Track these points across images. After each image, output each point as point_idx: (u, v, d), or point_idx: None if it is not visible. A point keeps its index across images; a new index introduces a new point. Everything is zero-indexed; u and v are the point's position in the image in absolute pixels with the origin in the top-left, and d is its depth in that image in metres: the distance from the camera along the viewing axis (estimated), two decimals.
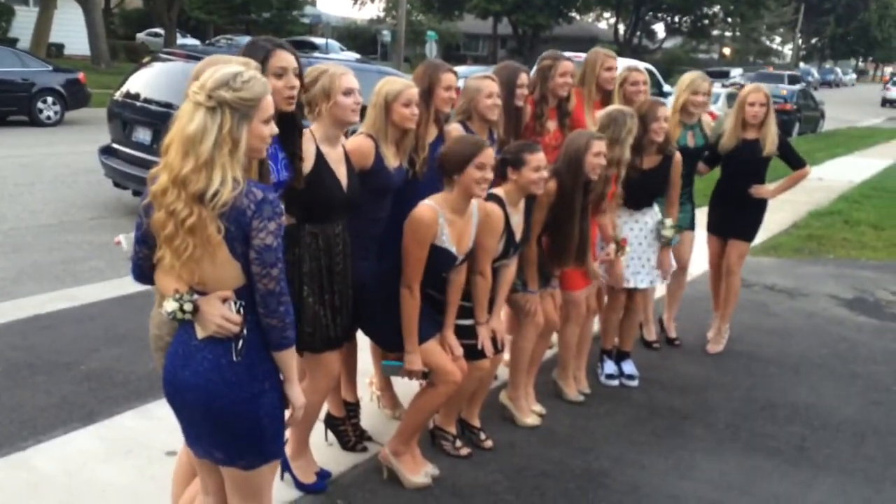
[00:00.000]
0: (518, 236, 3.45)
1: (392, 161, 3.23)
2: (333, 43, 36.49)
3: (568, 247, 3.68)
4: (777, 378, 4.76)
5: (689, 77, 4.82)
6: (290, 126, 2.63)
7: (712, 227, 5.14)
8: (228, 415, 2.03)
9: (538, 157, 3.34)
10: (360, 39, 44.85)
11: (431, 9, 46.83)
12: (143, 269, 2.14)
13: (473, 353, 3.33)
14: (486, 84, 3.69)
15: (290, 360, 2.09)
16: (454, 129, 3.65)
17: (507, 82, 3.84)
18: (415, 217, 2.99)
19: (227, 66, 1.98)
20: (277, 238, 1.98)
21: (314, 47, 31.07)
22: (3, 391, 3.89)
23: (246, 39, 26.24)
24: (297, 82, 2.64)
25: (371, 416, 3.80)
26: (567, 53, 4.65)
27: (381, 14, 50.78)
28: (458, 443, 3.59)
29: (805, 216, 10.00)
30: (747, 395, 4.48)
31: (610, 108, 4.13)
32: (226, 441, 2.08)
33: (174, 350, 2.10)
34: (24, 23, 25.55)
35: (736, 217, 4.99)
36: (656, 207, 4.41)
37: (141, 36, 35.79)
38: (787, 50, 70.02)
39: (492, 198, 3.29)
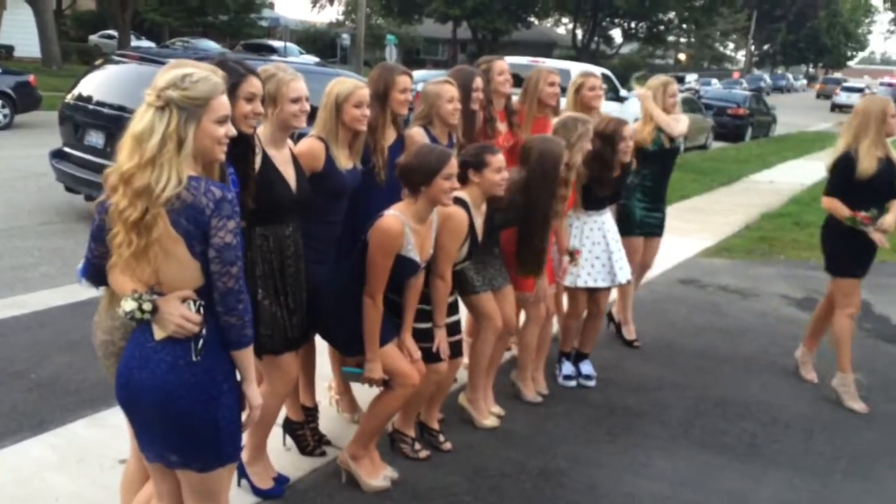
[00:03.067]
0: (480, 238, 3.48)
1: (344, 163, 3.23)
2: (292, 46, 36.27)
3: (538, 254, 3.72)
4: (729, 376, 4.86)
5: (662, 80, 4.94)
6: (244, 145, 2.64)
7: (847, 269, 4.51)
8: (186, 416, 2.02)
9: (499, 159, 3.38)
10: (319, 43, 44.58)
11: (391, 13, 46.84)
12: (96, 268, 2.13)
13: (430, 357, 3.34)
14: (447, 89, 3.71)
15: (248, 359, 2.10)
16: (416, 133, 3.67)
17: (463, 86, 3.86)
18: (382, 229, 2.97)
19: (181, 68, 1.99)
20: (237, 236, 2.00)
21: (272, 50, 30.83)
22: None
23: (203, 42, 25.88)
24: (261, 108, 2.69)
25: (330, 420, 3.79)
26: (526, 59, 4.72)
27: (341, 17, 50.70)
28: (417, 445, 3.60)
29: (757, 218, 10.23)
30: (701, 393, 4.57)
31: (563, 115, 4.19)
32: (182, 443, 2.07)
33: (130, 353, 2.09)
34: None
35: (870, 251, 4.42)
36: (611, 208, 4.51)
37: (94, 38, 35.06)
38: (741, 56, 71.60)
39: (456, 201, 3.27)
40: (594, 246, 4.37)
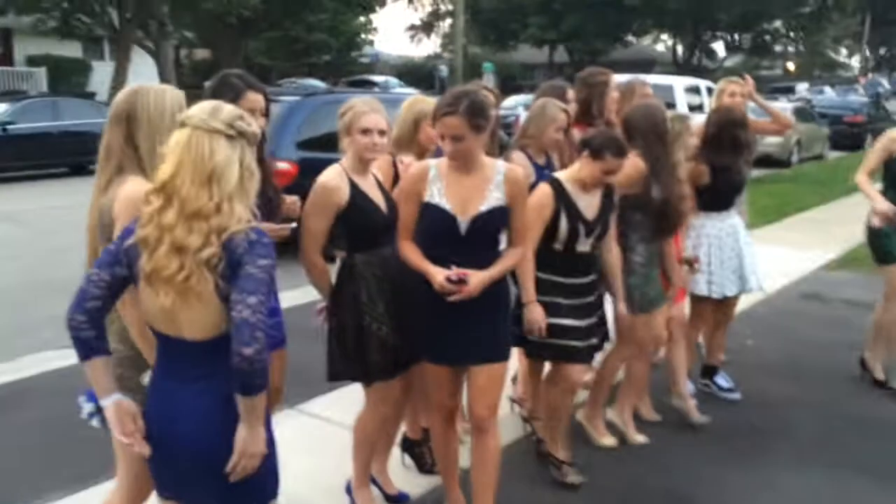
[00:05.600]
0: (590, 217, 3.30)
1: None
2: (392, 80, 37.20)
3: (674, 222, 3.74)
4: (863, 393, 4.59)
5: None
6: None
7: None
8: (221, 470, 1.91)
9: (615, 163, 3.24)
10: (418, 74, 45.56)
11: (487, 41, 47.35)
12: (100, 309, 1.92)
13: (559, 352, 3.36)
14: (561, 117, 3.73)
15: (258, 406, 1.87)
16: (517, 157, 3.69)
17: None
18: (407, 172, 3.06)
19: (215, 101, 1.96)
20: (264, 273, 1.85)
21: (373, 85, 31.75)
22: None
23: (309, 81, 26.78)
24: (263, 122, 2.74)
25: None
26: (627, 76, 4.72)
27: (439, 49, 51.60)
28: (566, 469, 3.52)
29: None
30: (832, 411, 4.33)
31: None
32: (224, 489, 1.94)
33: (158, 402, 1.98)
34: (101, 77, 26.88)
35: None
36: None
37: (209, 84, 37.13)
38: (854, 62, 68.07)
39: (551, 180, 3.32)
40: (720, 251, 4.18)
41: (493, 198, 2.75)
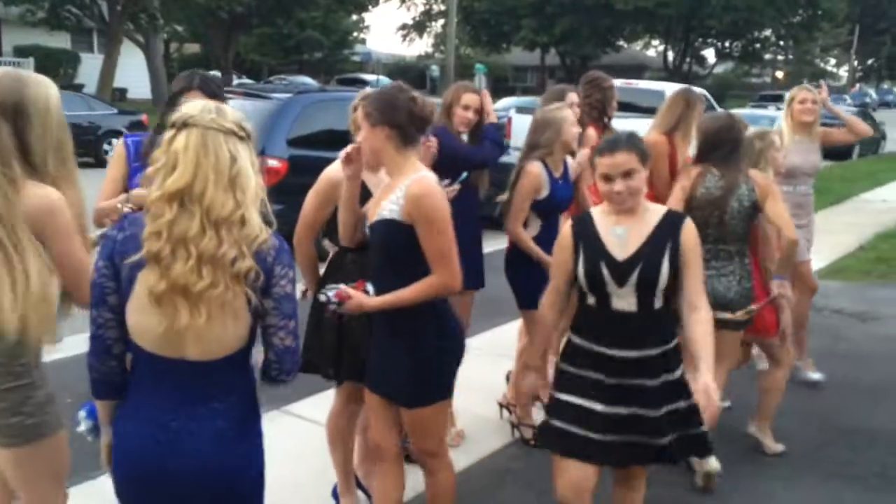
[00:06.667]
0: (621, 256, 2.46)
1: None
2: (384, 79, 37.18)
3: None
4: (854, 404, 4.57)
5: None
6: None
7: None
8: (236, 496, 1.85)
9: (609, 162, 2.47)
10: (409, 75, 45.53)
11: (479, 42, 47.37)
12: (124, 349, 1.80)
13: None
14: (570, 114, 3.72)
15: None
16: (534, 168, 3.60)
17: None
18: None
19: (207, 101, 1.83)
20: (293, 286, 1.79)
21: (365, 84, 31.71)
22: None
23: (300, 79, 26.86)
24: None
25: None
26: (618, 81, 4.74)
27: (430, 49, 51.56)
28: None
29: (871, 238, 9.68)
30: (823, 421, 4.31)
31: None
32: None
33: (146, 437, 1.77)
34: (89, 69, 26.67)
35: None
36: None
37: None
38: (843, 72, 68.65)
39: (582, 214, 2.76)
40: None
41: (387, 209, 2.44)
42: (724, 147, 3.39)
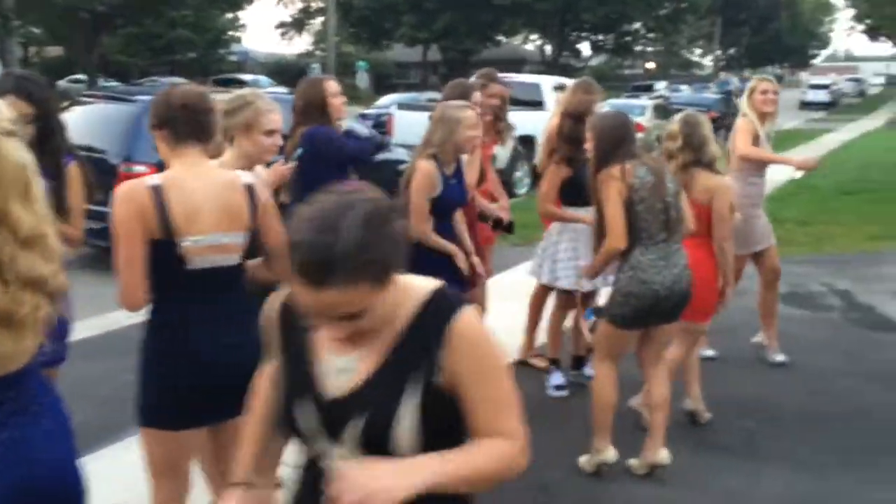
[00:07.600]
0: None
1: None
2: (263, 79, 36.32)
3: None
4: (722, 375, 4.80)
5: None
6: None
7: None
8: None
9: None
10: (289, 73, 44.72)
11: (360, 39, 47.09)
12: None
13: None
14: (470, 116, 3.58)
15: None
16: (425, 166, 3.52)
17: (462, 99, 3.89)
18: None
19: None
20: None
21: (242, 84, 30.86)
22: None
23: (173, 80, 25.83)
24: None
25: None
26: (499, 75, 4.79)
27: (310, 47, 50.82)
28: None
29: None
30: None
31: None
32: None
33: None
34: None
35: None
36: None
37: (62, 83, 34.92)
38: (708, 61, 72.54)
39: None
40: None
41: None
42: (626, 143, 3.34)
